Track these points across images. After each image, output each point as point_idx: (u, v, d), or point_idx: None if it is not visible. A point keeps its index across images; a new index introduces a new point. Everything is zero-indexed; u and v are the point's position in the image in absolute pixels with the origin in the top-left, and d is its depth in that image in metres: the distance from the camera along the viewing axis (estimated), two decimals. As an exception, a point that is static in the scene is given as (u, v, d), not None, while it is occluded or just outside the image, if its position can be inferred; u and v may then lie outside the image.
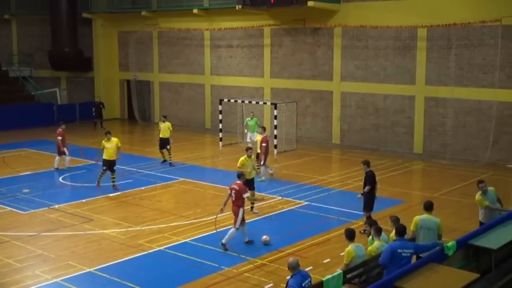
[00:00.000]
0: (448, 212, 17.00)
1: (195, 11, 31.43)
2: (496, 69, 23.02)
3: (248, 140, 25.24)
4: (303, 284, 8.69)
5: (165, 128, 22.96)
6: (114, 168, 19.49)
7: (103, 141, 19.46)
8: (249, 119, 25.33)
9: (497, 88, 23.02)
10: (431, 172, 22.34)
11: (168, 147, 22.89)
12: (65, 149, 22.39)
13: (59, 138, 22.25)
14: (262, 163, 20.25)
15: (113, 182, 19.47)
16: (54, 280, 12.02)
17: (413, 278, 8.92)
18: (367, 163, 15.07)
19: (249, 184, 15.84)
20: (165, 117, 23.81)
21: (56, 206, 17.38)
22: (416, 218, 11.01)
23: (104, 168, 19.39)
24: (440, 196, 18.57)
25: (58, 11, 35.29)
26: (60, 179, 21.03)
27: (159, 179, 20.73)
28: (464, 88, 24.01)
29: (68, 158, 22.52)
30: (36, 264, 12.93)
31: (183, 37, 33.48)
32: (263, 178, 20.21)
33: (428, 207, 11.06)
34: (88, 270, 12.55)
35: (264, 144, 20.27)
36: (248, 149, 17.04)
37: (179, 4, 32.95)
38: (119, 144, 19.61)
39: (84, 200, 18.07)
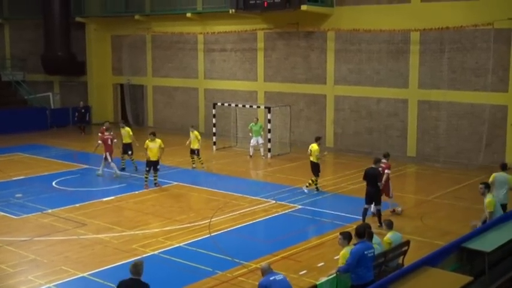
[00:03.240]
0: (442, 215, 17.06)
1: (188, 15, 31.44)
2: (489, 72, 23.11)
3: (252, 144, 25.32)
4: (271, 278, 8.97)
5: (125, 134, 22.75)
6: (158, 167, 20.19)
7: (147, 141, 19.98)
8: (253, 124, 25.39)
9: (490, 91, 23.11)
10: (425, 175, 22.39)
11: (129, 152, 22.70)
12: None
13: (115, 141, 22.27)
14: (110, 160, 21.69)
15: (155, 180, 20.24)
16: (47, 285, 11.96)
17: (407, 281, 8.94)
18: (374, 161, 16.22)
19: (316, 169, 18.94)
20: (124, 122, 24.03)
21: (49, 211, 17.31)
22: (494, 174, 14.61)
23: (147, 169, 20.02)
24: (434, 199, 18.62)
25: (51, 15, 35.20)
26: (54, 183, 20.96)
27: (153, 183, 20.67)
28: (457, 91, 24.10)
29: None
30: (29, 269, 12.87)
31: (177, 41, 33.48)
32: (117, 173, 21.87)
33: (503, 167, 14.86)
34: (81, 275, 12.50)
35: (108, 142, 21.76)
36: (318, 138, 19.59)
37: (172, 8, 32.94)
38: (162, 145, 20.17)
39: (77, 205, 18.01)
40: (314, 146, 19.22)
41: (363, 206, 15.78)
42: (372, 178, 15.70)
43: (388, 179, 16.46)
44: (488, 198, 13.08)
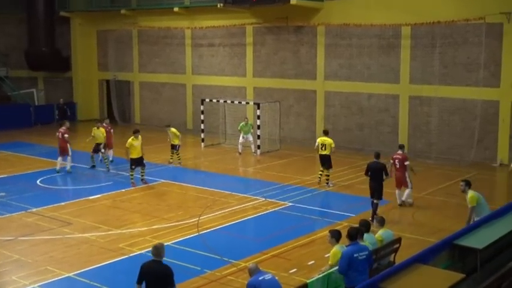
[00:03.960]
0: (434, 212, 17.13)
1: (175, 9, 31.34)
2: (480, 67, 23.21)
3: (240, 141, 25.26)
4: (260, 278, 8.91)
5: (99, 135, 22.73)
6: (144, 163, 20.32)
7: (130, 140, 20.01)
8: (244, 124, 25.32)
9: (482, 86, 23.21)
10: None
11: (102, 150, 22.83)
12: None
13: (66, 136, 22.03)
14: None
15: (142, 176, 20.42)
16: (32, 286, 11.89)
17: (398, 278, 8.94)
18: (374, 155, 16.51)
19: (328, 161, 19.59)
20: (100, 122, 24.10)
21: (34, 210, 17.21)
22: None
23: (133, 167, 20.10)
24: (426, 196, 18.69)
25: (35, 9, 34.99)
26: (38, 181, 20.84)
27: (140, 181, 20.61)
28: (448, 87, 24.19)
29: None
30: (13, 269, 12.79)
31: (164, 36, 33.38)
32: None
33: None
34: (67, 275, 12.44)
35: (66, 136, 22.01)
36: (327, 131, 20.36)
37: (159, 2, 32.84)
38: (141, 140, 20.40)
39: (62, 203, 17.93)
40: (329, 140, 19.67)
41: (370, 201, 16.12)
42: (375, 172, 15.89)
43: (406, 170, 17.05)
44: (470, 194, 13.22)
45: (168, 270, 8.78)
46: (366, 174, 16.20)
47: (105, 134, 22.89)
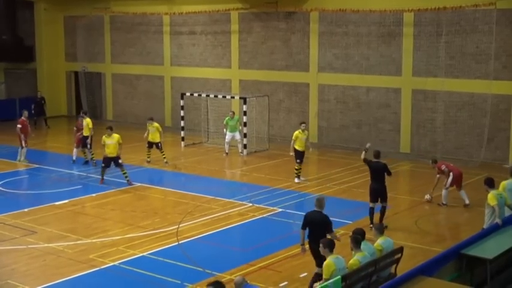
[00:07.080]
0: (438, 219, 17.22)
1: (152, -8, 31.37)
2: (491, 58, 23.35)
3: (227, 140, 25.23)
4: None
5: (84, 126, 23.39)
6: (120, 162, 20.66)
7: (103, 137, 20.59)
8: (229, 118, 25.32)
9: (492, 79, 23.36)
10: (420, 174, 22.54)
11: (88, 146, 23.41)
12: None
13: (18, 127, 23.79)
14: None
15: (126, 178, 20.64)
16: (-9, 302, 11.88)
17: (400, 292, 9.01)
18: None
19: (300, 156, 20.62)
20: (85, 113, 24.78)
21: (-7, 217, 17.17)
22: (503, 182, 13.60)
23: (103, 165, 20.69)
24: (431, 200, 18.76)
25: (-7, -8, 34.87)
26: (-2, 185, 20.79)
27: (113, 184, 20.59)
28: (455, 79, 24.32)
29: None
30: (-30, 284, 12.75)
31: (139, 22, 33.30)
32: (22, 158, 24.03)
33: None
34: (31, 290, 12.41)
35: (19, 126, 23.96)
36: (302, 123, 21.33)
37: (134, -15, 32.80)
38: (120, 141, 20.74)
39: (26, 210, 17.85)
40: (296, 133, 20.85)
41: (368, 206, 15.99)
42: (378, 173, 15.84)
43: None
44: (488, 195, 13.05)
45: (327, 219, 11.67)
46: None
47: (90, 126, 23.38)
